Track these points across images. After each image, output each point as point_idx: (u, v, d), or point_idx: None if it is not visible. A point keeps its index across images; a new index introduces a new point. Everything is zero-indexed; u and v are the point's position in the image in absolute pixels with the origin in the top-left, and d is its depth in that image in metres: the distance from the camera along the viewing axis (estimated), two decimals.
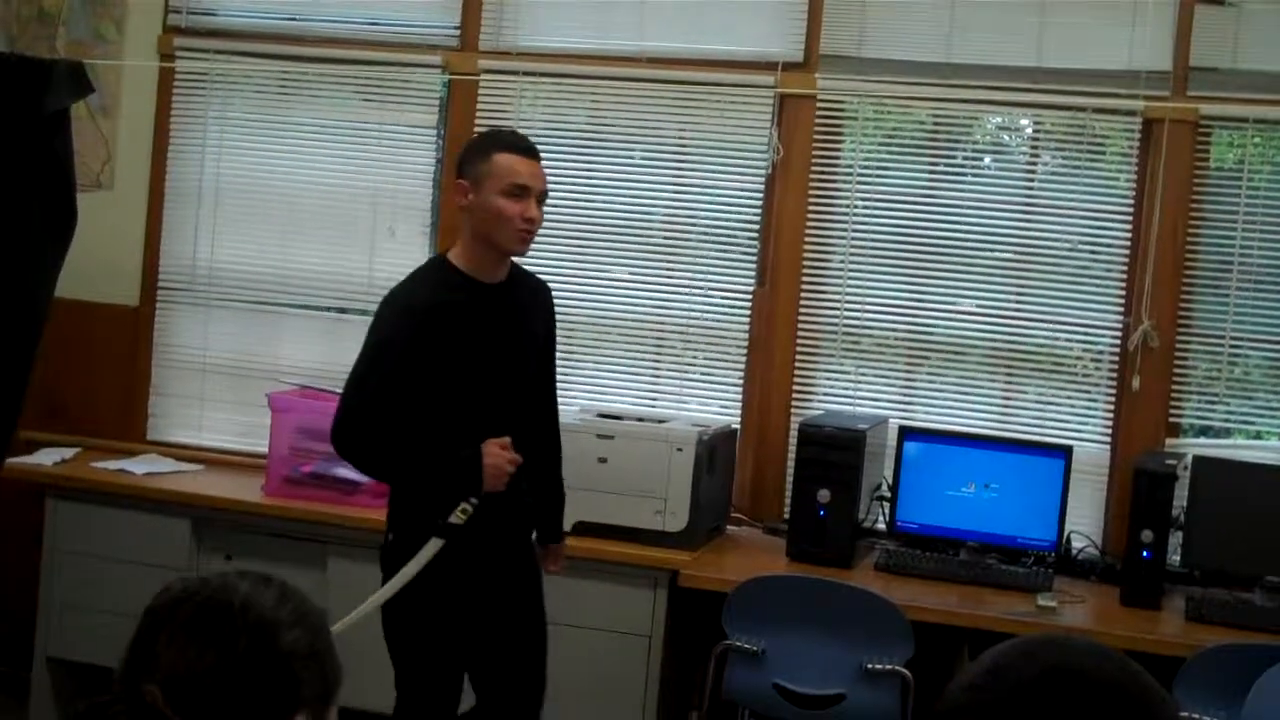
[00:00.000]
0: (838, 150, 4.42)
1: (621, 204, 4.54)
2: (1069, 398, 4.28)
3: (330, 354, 4.75)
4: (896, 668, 3.62)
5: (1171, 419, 4.19)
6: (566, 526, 3.66)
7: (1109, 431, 4.23)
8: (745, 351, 4.48)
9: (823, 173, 4.41)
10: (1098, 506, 4.21)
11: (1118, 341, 4.22)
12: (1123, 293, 4.22)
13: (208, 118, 4.84)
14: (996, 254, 4.34)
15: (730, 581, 3.75)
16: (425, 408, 3.14)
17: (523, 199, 3.16)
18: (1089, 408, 4.26)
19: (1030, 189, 4.33)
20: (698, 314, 4.52)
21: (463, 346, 3.15)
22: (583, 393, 4.50)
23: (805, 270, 4.42)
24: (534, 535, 3.46)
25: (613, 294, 4.57)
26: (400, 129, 4.72)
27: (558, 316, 3.51)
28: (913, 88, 4.33)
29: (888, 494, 4.20)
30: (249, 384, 4.76)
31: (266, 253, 4.82)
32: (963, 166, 4.42)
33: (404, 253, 4.70)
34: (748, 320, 4.47)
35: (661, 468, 3.98)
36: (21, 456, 4.50)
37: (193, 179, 4.85)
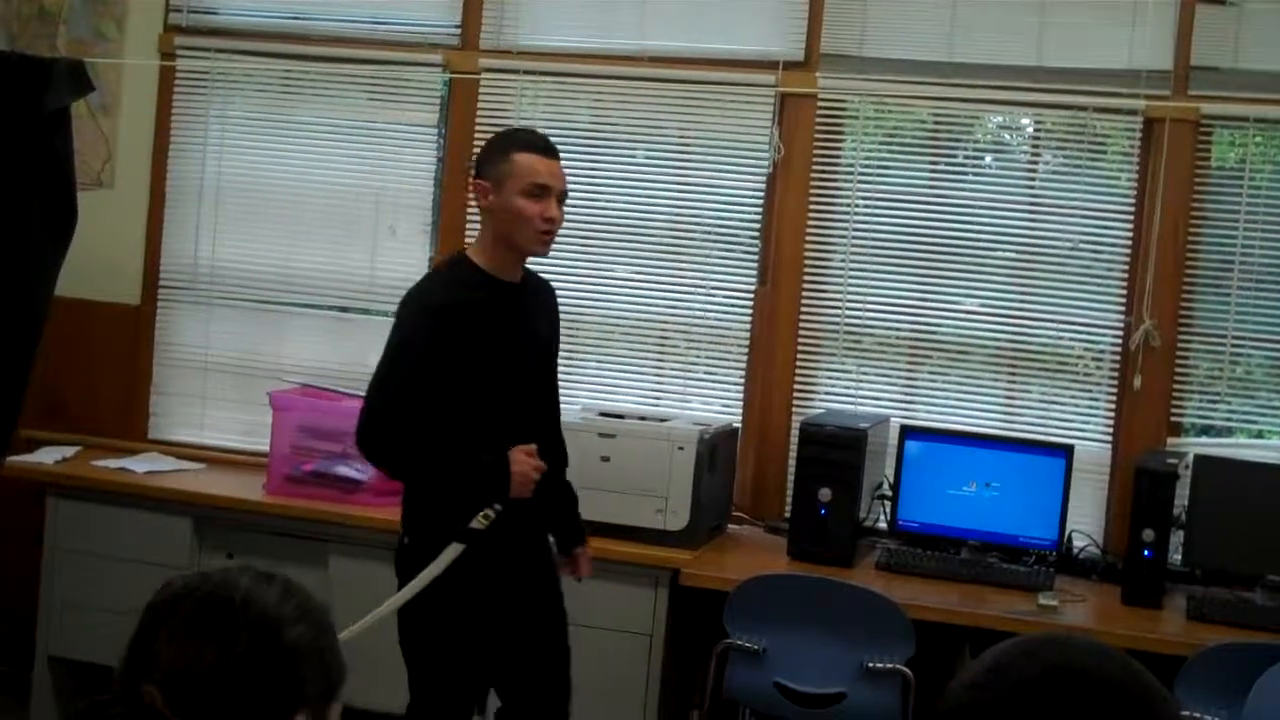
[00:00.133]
0: (839, 149, 4.42)
1: (623, 203, 4.54)
2: (1070, 397, 4.28)
3: (332, 353, 4.76)
4: (897, 666, 3.62)
5: (1173, 418, 4.19)
6: None
7: (1110, 430, 4.23)
8: (746, 350, 4.48)
9: (824, 172, 4.41)
10: (1099, 505, 4.21)
11: (1119, 340, 4.22)
12: (1124, 292, 4.22)
13: (209, 116, 4.85)
14: (997, 253, 4.34)
15: (731, 580, 3.75)
16: (447, 408, 3.12)
17: (543, 199, 3.15)
18: (1090, 407, 4.26)
19: (1031, 188, 4.33)
20: (699, 313, 4.51)
21: (484, 345, 3.13)
22: (585, 391, 4.50)
23: (807, 269, 4.42)
24: (552, 540, 3.42)
25: (615, 293, 4.57)
26: (401, 128, 4.72)
27: (560, 315, 3.50)
28: (914, 87, 4.33)
29: (889, 493, 4.20)
30: (250, 382, 4.76)
31: (268, 251, 4.82)
32: (964, 166, 4.42)
33: (405, 251, 4.71)
34: (749, 319, 4.47)
35: (663, 466, 3.99)
36: (22, 455, 4.50)
37: (194, 178, 4.85)
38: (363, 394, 4.44)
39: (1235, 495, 3.90)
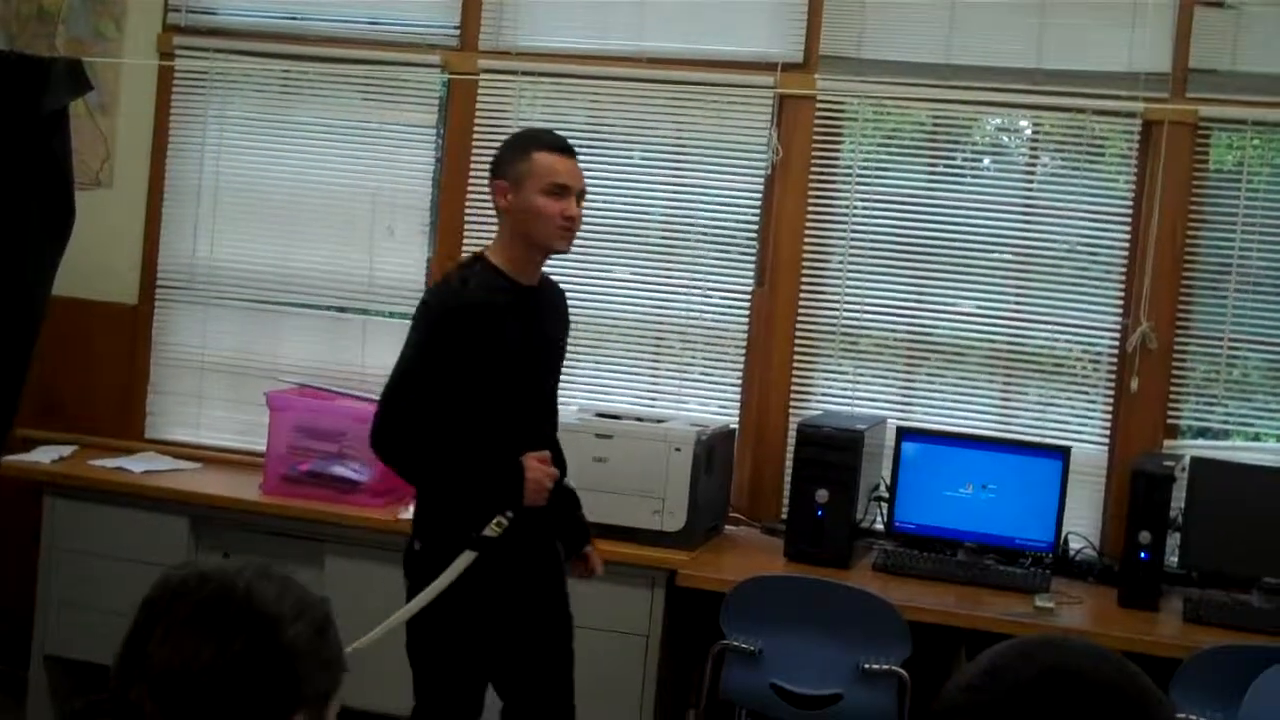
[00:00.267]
0: (837, 151, 4.42)
1: (621, 204, 4.54)
2: (1067, 399, 4.29)
3: (329, 353, 4.76)
4: (894, 668, 3.62)
5: (1170, 420, 4.20)
6: None
7: (1107, 433, 4.23)
8: (744, 351, 4.49)
9: (822, 173, 4.41)
10: (1096, 507, 4.21)
11: (1116, 343, 4.23)
12: (1121, 294, 4.22)
13: (207, 116, 4.84)
14: (995, 255, 4.34)
15: (728, 581, 3.75)
16: (462, 410, 3.10)
17: (563, 197, 3.15)
18: (1087, 409, 4.26)
19: (1029, 190, 4.33)
20: (696, 314, 4.52)
21: (501, 348, 3.11)
22: (582, 392, 4.50)
23: (804, 271, 4.42)
24: (559, 547, 3.39)
25: (612, 294, 4.57)
26: (400, 128, 4.72)
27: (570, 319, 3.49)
28: (912, 89, 4.33)
29: (886, 494, 4.20)
30: (247, 382, 4.76)
31: (265, 251, 4.82)
32: (962, 168, 4.42)
33: (403, 252, 4.71)
34: (746, 320, 4.48)
35: (660, 467, 3.98)
36: (19, 454, 4.50)
37: (192, 177, 4.85)
38: (361, 394, 4.47)
39: (1232, 498, 3.90)
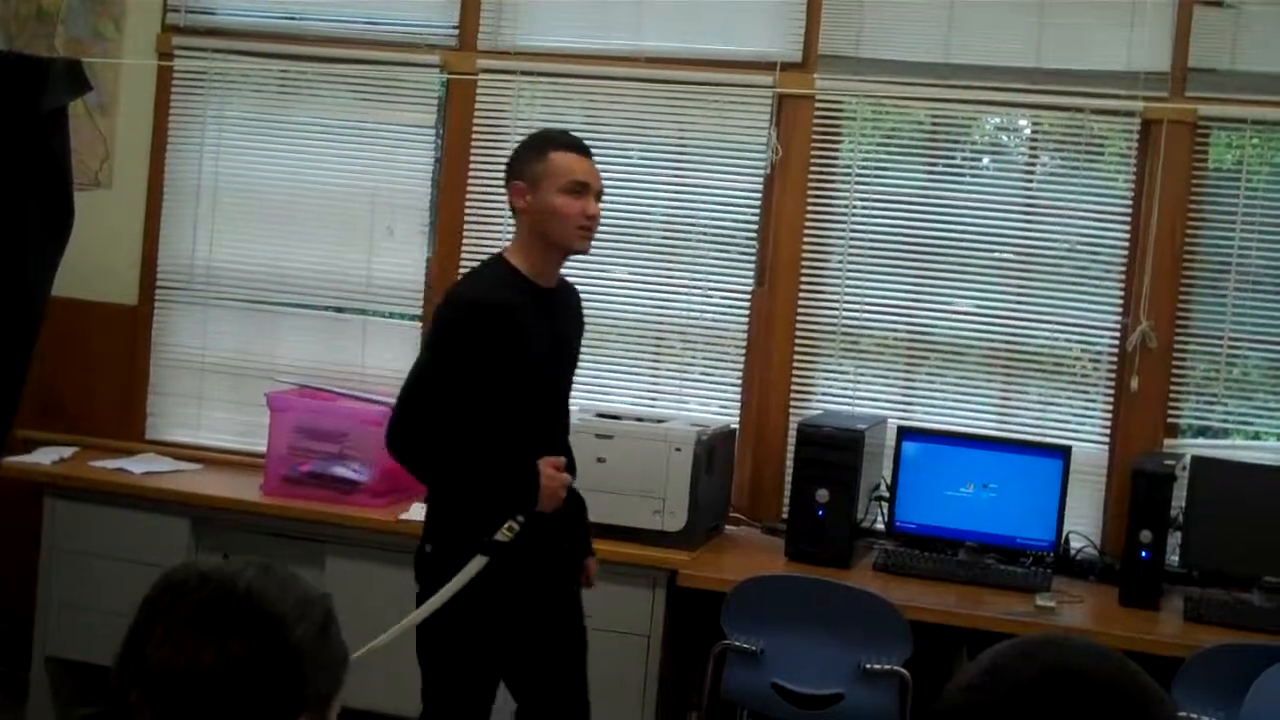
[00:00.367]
0: (836, 150, 4.42)
1: (620, 204, 4.53)
2: (1067, 398, 4.28)
3: (328, 353, 4.75)
4: (895, 668, 3.62)
5: (1170, 419, 4.20)
6: None
7: (1107, 432, 4.23)
8: (744, 351, 4.48)
9: (821, 173, 4.41)
10: (1096, 507, 4.21)
11: (1116, 342, 4.23)
12: (1121, 293, 4.22)
13: (206, 117, 4.84)
14: (995, 254, 4.34)
15: (729, 581, 3.75)
16: (480, 412, 3.08)
17: (582, 196, 3.15)
18: (1087, 408, 4.26)
19: (1029, 189, 4.33)
20: (696, 314, 4.52)
21: (521, 350, 3.09)
22: (582, 392, 4.47)
23: (804, 270, 4.42)
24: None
25: (612, 294, 4.56)
26: (398, 128, 4.72)
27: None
28: (911, 88, 4.33)
29: (886, 494, 4.20)
30: (247, 383, 4.76)
31: (265, 252, 4.82)
32: (961, 167, 4.42)
33: (402, 252, 4.71)
34: (746, 320, 4.47)
35: (660, 467, 3.98)
36: (20, 455, 4.50)
37: (191, 178, 4.85)
38: (361, 395, 4.47)
39: (1232, 497, 3.90)
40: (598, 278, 4.56)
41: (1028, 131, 4.42)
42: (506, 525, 3.06)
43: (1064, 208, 4.27)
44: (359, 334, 4.74)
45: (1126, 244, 4.21)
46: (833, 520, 3.98)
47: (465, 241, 4.64)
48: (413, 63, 4.66)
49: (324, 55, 4.74)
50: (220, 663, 1.36)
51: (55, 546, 4.39)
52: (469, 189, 4.64)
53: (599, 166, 4.45)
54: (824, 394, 4.43)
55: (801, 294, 4.42)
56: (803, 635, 3.66)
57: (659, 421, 4.20)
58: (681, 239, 4.52)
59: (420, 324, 4.70)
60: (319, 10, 4.77)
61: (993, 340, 4.32)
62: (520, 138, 4.52)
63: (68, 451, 4.66)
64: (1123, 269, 4.22)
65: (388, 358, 4.70)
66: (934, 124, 4.40)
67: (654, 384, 4.55)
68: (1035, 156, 4.38)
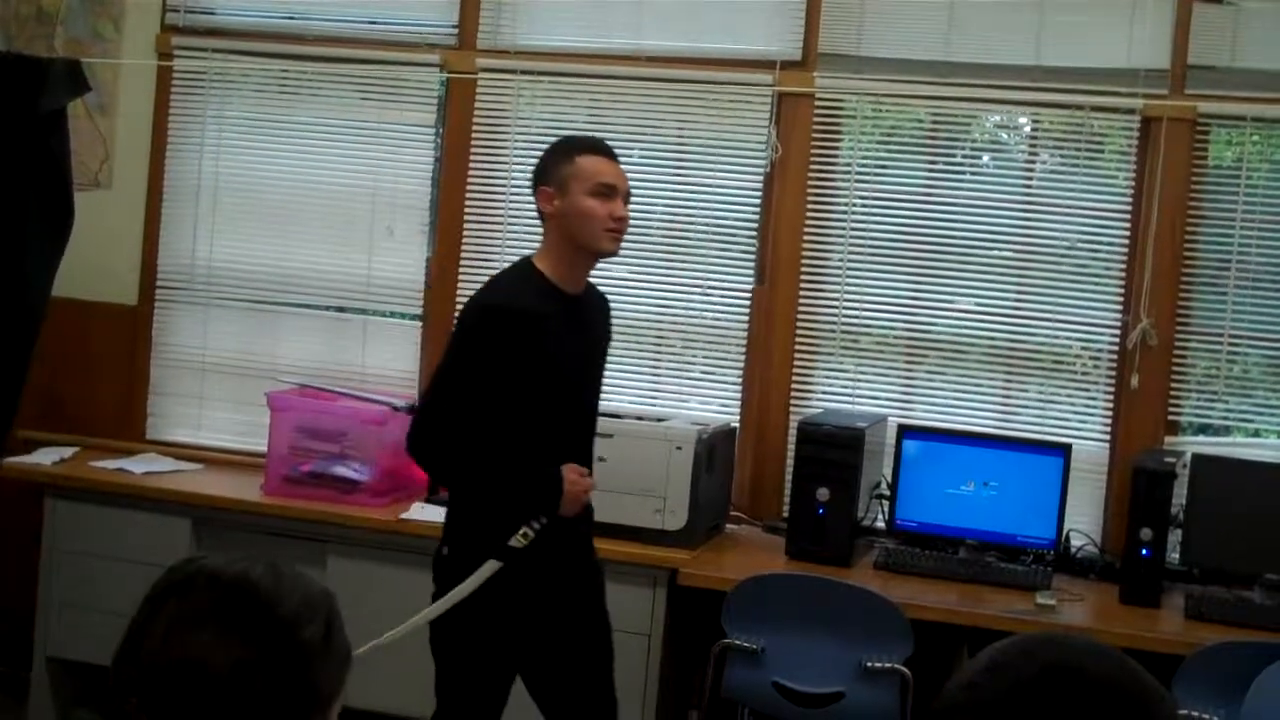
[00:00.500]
0: (836, 149, 4.42)
1: None
2: (1068, 396, 4.28)
3: (329, 353, 4.75)
4: (896, 666, 3.62)
5: (1170, 417, 4.19)
6: None
7: (1108, 429, 4.23)
8: (744, 350, 4.48)
9: (821, 171, 4.41)
10: (1097, 504, 4.21)
11: (1116, 339, 4.22)
12: (1121, 291, 4.22)
13: (206, 117, 4.84)
14: (995, 252, 4.34)
15: (729, 580, 3.75)
16: (502, 416, 3.08)
17: (610, 198, 3.14)
18: (1088, 406, 4.26)
19: (1029, 187, 4.33)
20: (697, 313, 4.52)
21: (544, 355, 3.09)
22: None
23: (804, 269, 4.42)
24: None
25: (612, 292, 4.53)
26: (399, 128, 4.72)
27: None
28: (911, 86, 4.33)
29: (887, 492, 4.20)
30: (248, 383, 4.75)
31: (265, 252, 4.81)
32: (961, 165, 4.42)
33: (403, 252, 4.71)
34: (747, 319, 4.47)
35: (661, 466, 3.98)
36: (20, 456, 4.50)
37: (191, 178, 4.85)
38: (362, 394, 4.47)
39: (1233, 494, 3.90)
40: (598, 277, 4.53)
41: (1028, 129, 4.42)
42: (521, 531, 3.06)
43: (1064, 205, 4.27)
44: (359, 334, 4.74)
45: (1126, 241, 4.21)
46: (833, 519, 3.98)
47: (465, 241, 4.64)
48: (413, 62, 4.66)
49: (324, 55, 4.74)
50: (227, 665, 1.32)
51: (55, 546, 4.39)
52: (469, 189, 4.64)
53: None
54: (824, 392, 4.43)
55: (802, 292, 4.42)
56: (803, 634, 3.66)
57: (659, 420, 4.21)
58: (682, 237, 4.52)
59: (420, 324, 4.71)
60: (319, 10, 4.77)
61: (993, 338, 4.32)
62: (520, 137, 4.59)
63: (68, 452, 4.66)
64: (1123, 266, 4.22)
65: (388, 357, 4.71)
66: (934, 122, 4.40)
67: (655, 382, 4.55)
68: (1035, 154, 4.38)
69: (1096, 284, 4.25)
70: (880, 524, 4.22)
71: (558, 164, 3.18)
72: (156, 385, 4.89)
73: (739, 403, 4.48)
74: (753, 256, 4.47)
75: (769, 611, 3.68)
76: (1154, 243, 4.14)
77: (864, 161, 4.41)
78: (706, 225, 4.51)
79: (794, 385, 4.43)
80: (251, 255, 4.82)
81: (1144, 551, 3.80)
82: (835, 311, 4.41)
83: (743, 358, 4.49)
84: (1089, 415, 4.25)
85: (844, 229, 4.40)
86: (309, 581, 1.43)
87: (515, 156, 4.58)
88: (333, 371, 4.71)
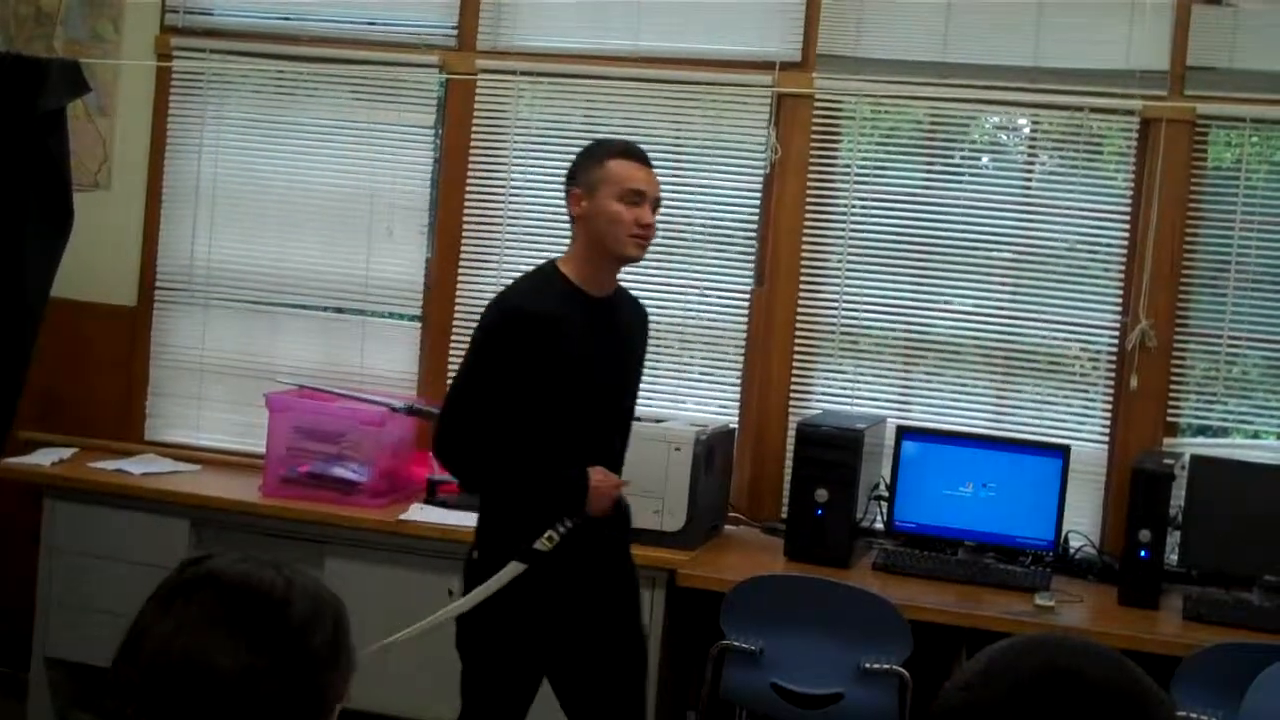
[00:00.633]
0: (835, 150, 4.42)
1: None
2: (1066, 397, 4.28)
3: (328, 354, 4.75)
4: (894, 667, 3.62)
5: (1169, 418, 4.19)
6: None
7: (1107, 431, 4.23)
8: (743, 351, 4.48)
9: (820, 172, 4.41)
10: (1095, 506, 4.21)
11: (1115, 341, 4.22)
12: (1120, 292, 4.22)
13: (205, 117, 4.84)
14: (994, 254, 4.34)
15: (728, 581, 3.75)
16: (526, 418, 3.08)
17: (638, 204, 3.14)
18: (1087, 407, 4.26)
19: (1028, 189, 4.33)
20: (696, 314, 4.51)
21: (564, 356, 3.09)
22: None
23: (803, 270, 4.42)
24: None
25: None
26: (397, 129, 4.71)
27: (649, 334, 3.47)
28: (910, 87, 4.33)
29: (885, 493, 4.20)
30: (246, 384, 4.75)
31: (264, 252, 4.81)
32: (960, 166, 4.42)
33: (402, 252, 4.71)
34: (746, 320, 4.47)
35: (659, 467, 3.98)
36: (19, 456, 4.50)
37: (190, 179, 4.85)
38: (360, 395, 4.47)
39: (1232, 496, 3.90)
40: None
41: (1027, 130, 4.42)
42: (546, 535, 3.06)
43: (1063, 207, 4.27)
44: (358, 334, 4.74)
45: (1125, 243, 4.21)
46: (832, 520, 3.98)
47: (464, 242, 4.64)
48: (412, 63, 4.66)
49: (323, 56, 4.74)
50: (233, 668, 1.29)
51: (55, 547, 4.39)
52: (468, 190, 4.63)
53: None
54: (823, 393, 4.43)
55: (801, 293, 4.42)
56: (802, 635, 3.66)
57: (658, 421, 4.20)
58: (681, 239, 4.52)
59: (419, 325, 4.71)
60: (318, 11, 4.77)
61: (992, 339, 4.32)
62: (520, 138, 4.59)
63: (67, 452, 4.65)
64: (1122, 268, 4.22)
65: (387, 358, 4.71)
66: (933, 123, 4.40)
67: (653, 383, 4.54)
68: (1034, 155, 4.38)
69: (1095, 285, 4.25)
70: (879, 525, 4.22)
71: (589, 167, 3.18)
72: (155, 386, 4.88)
73: (738, 404, 4.48)
74: (752, 257, 4.47)
75: (768, 613, 3.68)
76: (1153, 244, 4.14)
77: (863, 163, 4.41)
78: (706, 226, 4.51)
79: (793, 386, 4.43)
80: (251, 256, 4.82)
81: (1142, 553, 3.80)
82: (834, 312, 4.41)
83: (742, 359, 4.49)
84: (1088, 416, 4.25)
85: (843, 230, 4.40)
86: (319, 586, 1.40)
87: (514, 157, 4.59)
88: (331, 372, 4.70)
